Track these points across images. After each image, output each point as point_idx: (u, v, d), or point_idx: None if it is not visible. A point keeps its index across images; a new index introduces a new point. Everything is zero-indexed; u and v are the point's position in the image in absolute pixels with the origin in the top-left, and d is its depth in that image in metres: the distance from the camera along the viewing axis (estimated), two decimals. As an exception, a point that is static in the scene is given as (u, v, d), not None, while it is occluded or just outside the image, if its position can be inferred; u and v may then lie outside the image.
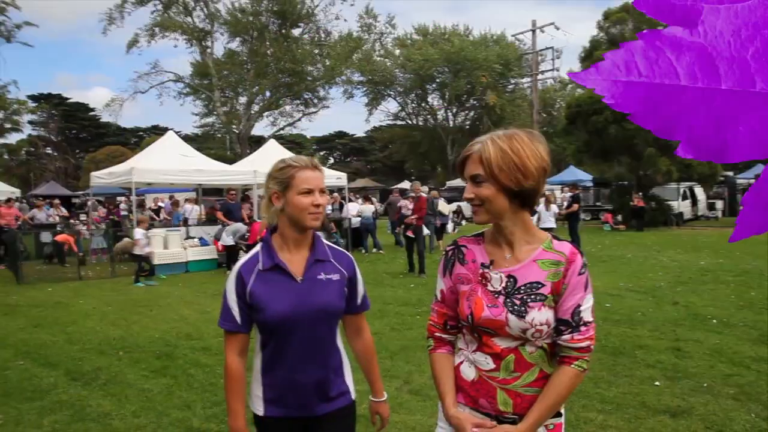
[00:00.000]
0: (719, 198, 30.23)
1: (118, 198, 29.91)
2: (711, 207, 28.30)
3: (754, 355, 5.43)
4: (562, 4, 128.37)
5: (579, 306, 1.64)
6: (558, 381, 1.64)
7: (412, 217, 11.45)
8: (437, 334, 1.83)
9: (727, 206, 28.65)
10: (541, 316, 1.62)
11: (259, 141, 48.80)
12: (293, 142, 39.69)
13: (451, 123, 44.58)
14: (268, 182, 1.97)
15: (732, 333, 6.28)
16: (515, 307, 1.63)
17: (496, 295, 1.66)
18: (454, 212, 25.75)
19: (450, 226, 17.84)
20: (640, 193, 22.71)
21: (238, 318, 1.90)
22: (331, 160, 66.73)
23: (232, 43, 34.82)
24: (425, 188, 13.40)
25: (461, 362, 1.77)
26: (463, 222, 26.33)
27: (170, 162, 13.48)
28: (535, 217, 15.67)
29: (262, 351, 1.95)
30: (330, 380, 1.97)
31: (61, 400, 4.61)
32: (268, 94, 35.06)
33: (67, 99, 60.15)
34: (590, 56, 24.22)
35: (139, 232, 11.05)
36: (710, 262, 12.03)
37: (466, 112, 45.19)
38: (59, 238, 13.26)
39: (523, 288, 1.65)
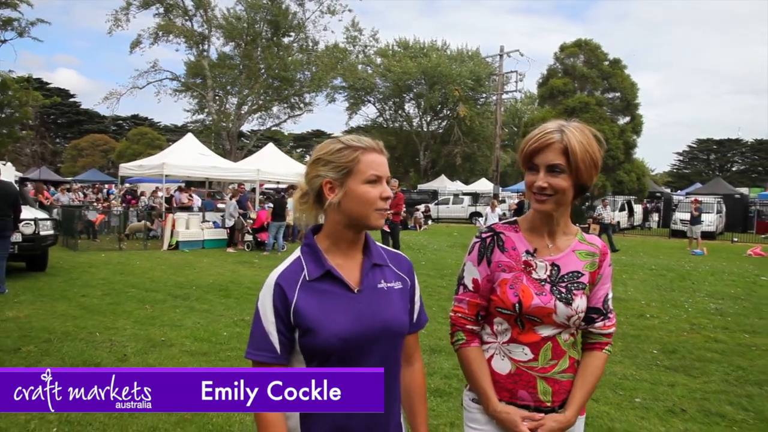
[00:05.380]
0: (656, 211, 34.36)
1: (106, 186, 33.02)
2: (646, 218, 32.35)
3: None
4: (533, 14, 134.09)
5: (607, 295, 1.77)
6: (595, 365, 1.73)
7: (389, 212, 14.13)
8: (469, 326, 1.75)
9: (661, 218, 32.69)
10: (582, 303, 1.69)
11: (239, 136, 51.42)
12: (271, 138, 42.44)
13: (424, 130, 48.18)
14: (314, 168, 1.54)
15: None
16: (562, 294, 1.67)
17: (542, 283, 1.68)
18: (422, 212, 29.26)
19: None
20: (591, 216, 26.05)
21: (277, 346, 1.46)
22: (308, 158, 69.21)
23: (226, 47, 37.91)
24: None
25: (492, 356, 1.73)
26: (430, 222, 29.82)
27: (192, 159, 16.68)
28: (482, 219, 19.20)
29: None
30: (391, 422, 1.56)
31: (174, 305, 7.87)
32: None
33: (47, 84, 61.34)
34: (546, 83, 27.94)
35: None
36: (612, 258, 15.58)
37: (439, 121, 48.83)
38: (99, 217, 16.32)
39: (566, 276, 1.69)
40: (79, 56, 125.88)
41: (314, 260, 1.51)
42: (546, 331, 1.67)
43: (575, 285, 1.68)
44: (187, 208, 18.00)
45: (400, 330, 1.56)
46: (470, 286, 1.75)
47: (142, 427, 3.78)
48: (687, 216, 25.18)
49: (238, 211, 15.61)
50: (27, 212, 9.73)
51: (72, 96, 65.48)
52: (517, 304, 1.64)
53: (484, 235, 1.77)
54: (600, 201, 22.72)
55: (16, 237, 9.30)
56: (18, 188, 10.06)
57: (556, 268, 1.69)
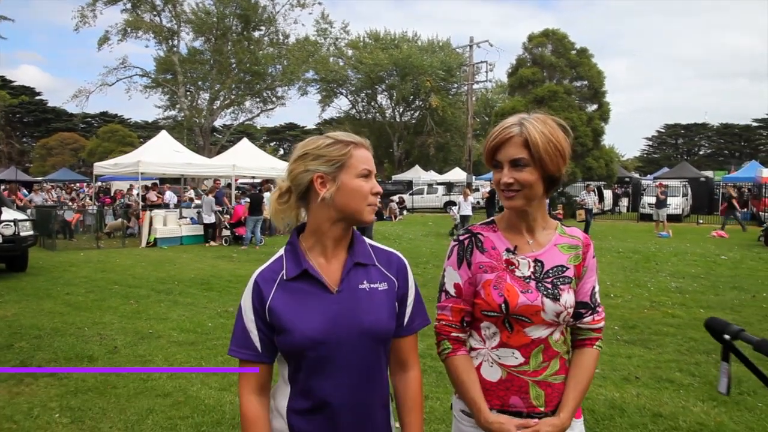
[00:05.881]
0: (625, 196, 35.23)
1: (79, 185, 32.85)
2: (616, 203, 33.19)
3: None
4: (504, 2, 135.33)
5: (594, 288, 1.70)
6: (587, 364, 1.66)
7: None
8: (454, 334, 1.68)
9: (631, 203, 33.55)
10: (570, 298, 1.62)
11: (212, 131, 51.05)
12: (243, 133, 42.23)
13: (397, 121, 48.52)
14: (302, 163, 1.50)
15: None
16: (548, 290, 1.61)
17: (527, 281, 1.62)
18: (397, 203, 29.63)
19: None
20: (562, 203, 26.79)
21: (257, 344, 1.47)
22: (281, 152, 69.24)
23: (196, 42, 37.66)
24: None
25: (480, 363, 1.66)
26: (404, 212, 30.22)
27: (168, 156, 16.78)
28: (456, 207, 19.64)
29: (291, 385, 1.50)
30: (376, 425, 1.53)
31: (159, 299, 8.10)
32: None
33: (11, 82, 59.61)
34: (516, 72, 28.42)
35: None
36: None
37: (412, 111, 49.23)
38: (75, 216, 16.34)
39: (551, 271, 1.63)
40: (41, 52, 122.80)
41: (294, 259, 1.49)
42: (536, 333, 1.60)
43: (561, 279, 1.62)
44: (159, 206, 18.10)
45: (380, 333, 1.49)
46: (452, 291, 1.68)
47: (139, 410, 4.06)
48: (654, 200, 26.12)
49: (215, 207, 15.79)
50: (6, 213, 9.84)
51: (38, 94, 64.00)
52: (503, 305, 1.58)
53: (461, 238, 1.71)
54: (584, 187, 22.65)
55: (-3, 238, 9.43)
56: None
57: (539, 264, 1.63)
